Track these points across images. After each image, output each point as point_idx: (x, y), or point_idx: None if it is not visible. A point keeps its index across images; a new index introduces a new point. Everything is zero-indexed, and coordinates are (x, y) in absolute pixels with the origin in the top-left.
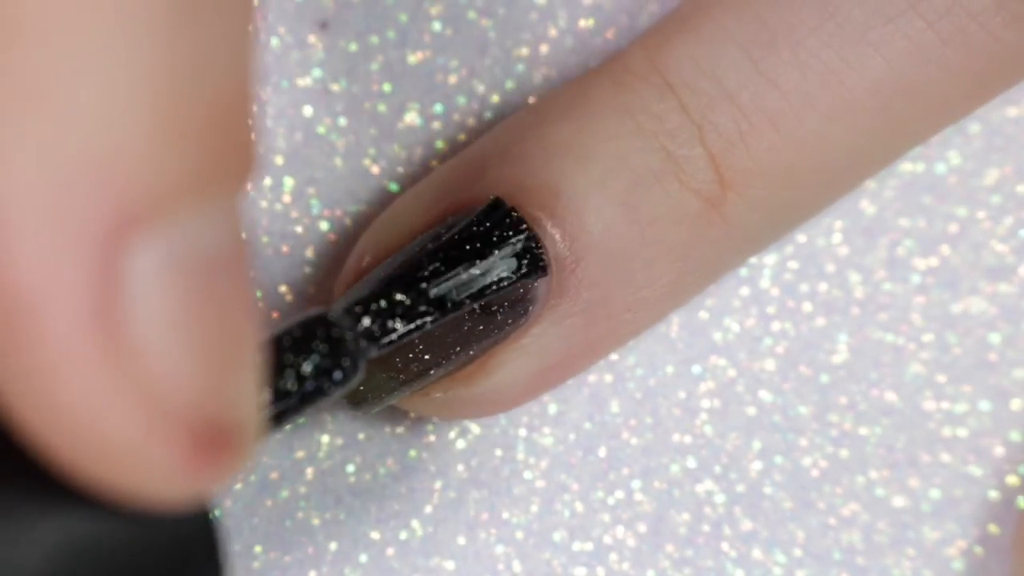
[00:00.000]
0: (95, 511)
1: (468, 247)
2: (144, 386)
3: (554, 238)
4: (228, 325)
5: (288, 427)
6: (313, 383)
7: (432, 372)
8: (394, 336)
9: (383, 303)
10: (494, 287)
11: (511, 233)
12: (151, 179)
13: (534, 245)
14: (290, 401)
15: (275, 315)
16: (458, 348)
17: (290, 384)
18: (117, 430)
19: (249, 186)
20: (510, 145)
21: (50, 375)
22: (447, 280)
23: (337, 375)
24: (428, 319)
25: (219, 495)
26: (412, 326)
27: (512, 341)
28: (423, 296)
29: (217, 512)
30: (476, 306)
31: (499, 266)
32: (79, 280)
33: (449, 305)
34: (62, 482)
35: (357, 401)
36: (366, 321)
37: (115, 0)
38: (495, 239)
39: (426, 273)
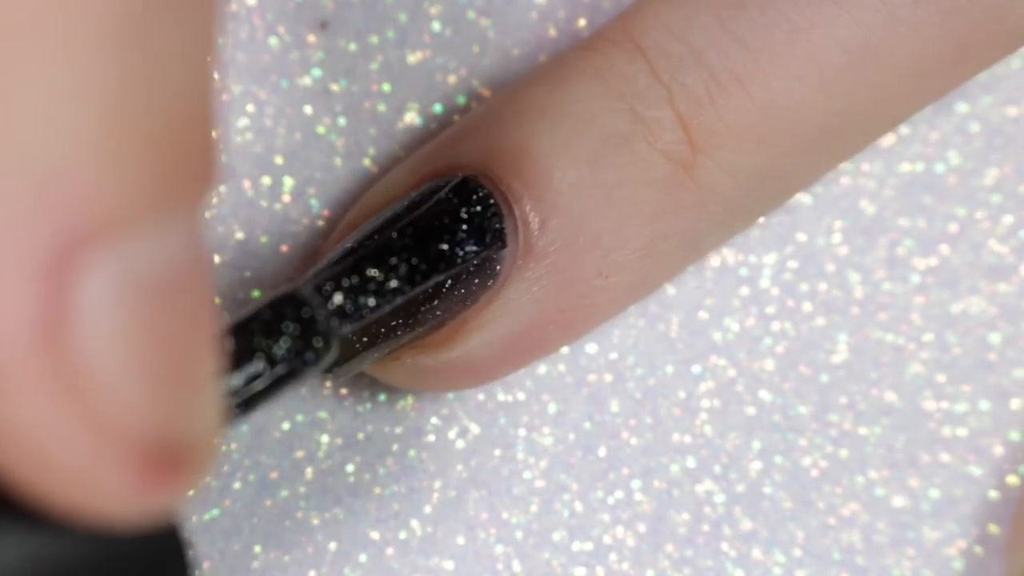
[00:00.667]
0: (57, 531)
1: (437, 223)
2: (94, 409)
3: (521, 199)
4: (184, 344)
5: (282, 429)
6: (286, 364)
7: (400, 333)
8: (365, 312)
9: (354, 279)
10: (460, 260)
11: (478, 208)
12: (101, 197)
13: (498, 220)
14: (263, 383)
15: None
16: (424, 307)
17: (263, 366)
18: (67, 453)
19: (212, 198)
20: (485, 112)
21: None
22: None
23: (309, 355)
24: (400, 295)
25: (181, 511)
26: (384, 301)
27: (482, 306)
28: (393, 271)
29: (183, 527)
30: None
31: (466, 242)
32: (27, 302)
33: (418, 279)
34: (21, 503)
35: (327, 367)
36: (337, 299)
37: (61, 14)
38: (463, 214)
39: (396, 248)
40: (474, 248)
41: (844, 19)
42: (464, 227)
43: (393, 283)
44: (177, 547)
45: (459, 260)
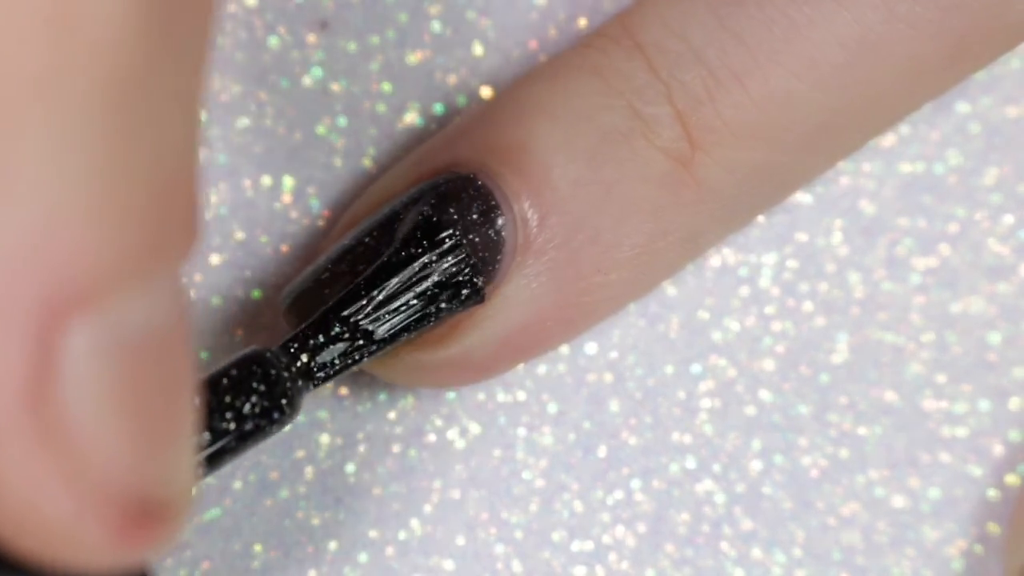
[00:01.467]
0: None
1: (394, 273)
2: (76, 465)
3: (520, 196)
4: (164, 402)
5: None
6: (252, 422)
7: (400, 335)
8: (331, 372)
9: (320, 338)
10: (432, 320)
11: (435, 257)
12: (89, 259)
13: (474, 274)
14: (229, 440)
15: (274, 316)
16: (424, 311)
17: (229, 424)
18: (48, 506)
19: (193, 254)
20: (483, 109)
21: None
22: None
23: (275, 415)
24: (366, 352)
25: (154, 559)
26: (349, 361)
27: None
28: (359, 330)
29: (154, 569)
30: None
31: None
32: (15, 359)
33: (388, 337)
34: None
35: (327, 368)
36: (303, 358)
37: (54, 81)
38: (420, 263)
39: (362, 304)
40: (445, 306)
41: (843, 16)
42: (432, 282)
43: (360, 341)
44: None
45: (431, 319)
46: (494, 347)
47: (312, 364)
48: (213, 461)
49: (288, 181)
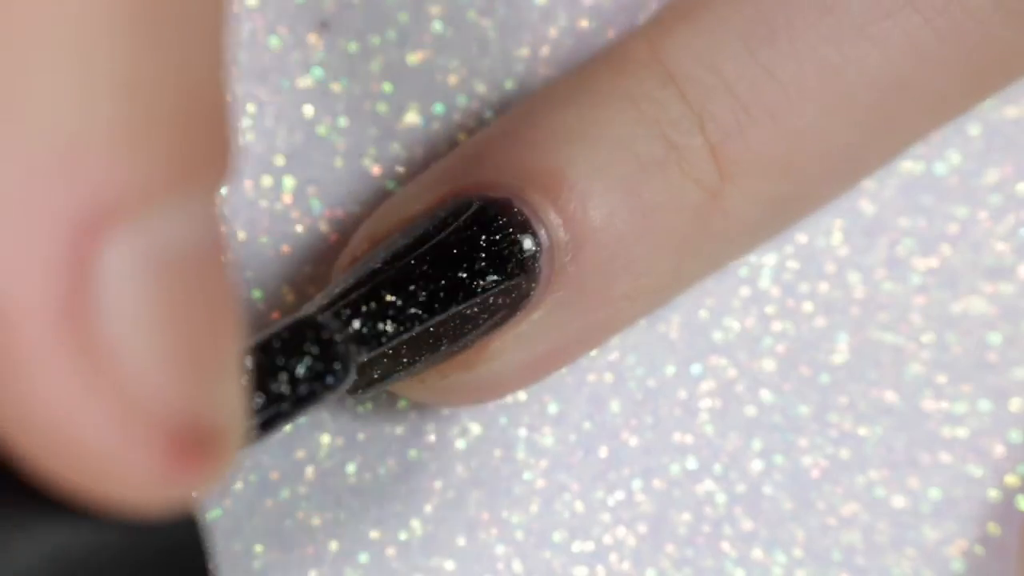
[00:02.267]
0: (77, 520)
1: (456, 251)
2: (119, 388)
3: (556, 224)
4: (207, 325)
5: (283, 430)
6: (306, 387)
7: (428, 357)
8: (383, 339)
9: (373, 305)
10: (480, 291)
11: (498, 238)
12: (122, 175)
13: (519, 249)
14: (283, 405)
15: (276, 315)
16: (453, 335)
17: (283, 388)
18: (91, 434)
19: (226, 184)
20: (512, 130)
21: (21, 378)
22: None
23: (329, 379)
24: (419, 321)
25: (206, 500)
26: (402, 328)
27: (510, 327)
28: (412, 298)
29: (206, 516)
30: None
31: (487, 273)
32: (49, 279)
33: (437, 307)
34: (40, 491)
35: (353, 387)
36: (356, 324)
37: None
38: (482, 243)
39: (415, 276)
40: (495, 278)
41: (874, 56)
42: (484, 256)
43: (412, 310)
44: (197, 539)
45: (479, 290)
46: (520, 369)
47: (363, 330)
48: (268, 426)
49: (288, 181)
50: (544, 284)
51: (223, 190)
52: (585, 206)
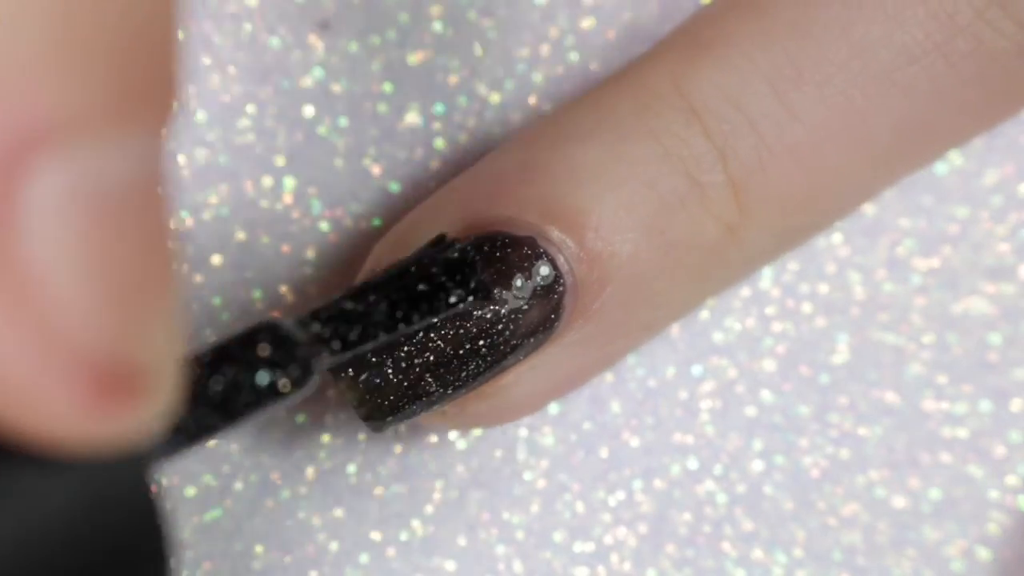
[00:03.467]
0: (6, 456)
1: (424, 288)
2: (41, 318)
3: (580, 261)
4: (138, 265)
5: (284, 430)
6: (266, 388)
7: (451, 393)
8: (347, 344)
9: (335, 311)
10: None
11: (456, 256)
12: (57, 100)
13: (478, 270)
14: (242, 405)
15: (276, 315)
16: (477, 373)
17: (242, 389)
18: (10, 364)
19: (169, 124)
20: (533, 163)
21: None
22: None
23: (283, 383)
24: (383, 332)
25: (142, 443)
26: (367, 335)
27: (529, 360)
28: (376, 310)
29: (154, 468)
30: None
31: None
32: None
33: (400, 318)
34: None
35: (377, 424)
36: (315, 327)
37: None
38: (448, 286)
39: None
40: (455, 298)
41: (899, 101)
42: (444, 274)
43: (378, 318)
44: (141, 480)
45: (443, 306)
46: (539, 396)
47: (323, 333)
48: (227, 425)
49: (289, 181)
50: (567, 319)
51: (165, 130)
52: (610, 244)
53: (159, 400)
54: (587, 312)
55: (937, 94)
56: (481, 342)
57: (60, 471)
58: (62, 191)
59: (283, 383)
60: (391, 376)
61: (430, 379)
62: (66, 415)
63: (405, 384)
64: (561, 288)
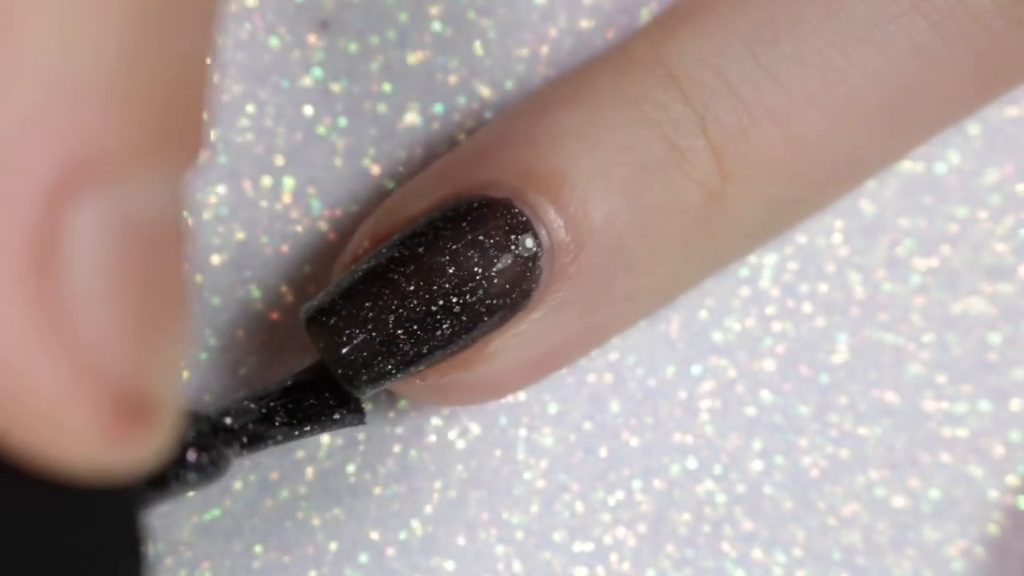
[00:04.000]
0: (12, 475)
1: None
2: (73, 344)
3: (556, 224)
4: (159, 298)
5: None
6: (193, 464)
7: (429, 356)
8: (252, 438)
9: (241, 408)
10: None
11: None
12: (105, 136)
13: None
14: (171, 476)
15: (275, 316)
16: (452, 335)
17: (175, 463)
18: (43, 386)
19: (194, 168)
20: (512, 130)
21: None
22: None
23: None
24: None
25: (139, 475)
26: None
27: (510, 327)
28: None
29: (139, 500)
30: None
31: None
32: (21, 224)
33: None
34: None
35: (354, 383)
36: (227, 421)
37: None
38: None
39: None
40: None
41: (878, 60)
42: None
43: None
44: (132, 512)
45: (329, 422)
46: (520, 369)
47: (233, 425)
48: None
49: (288, 181)
50: (545, 284)
51: (191, 170)
52: (586, 207)
53: (160, 433)
54: (565, 274)
55: (917, 54)
56: (455, 299)
57: (60, 493)
58: (100, 223)
59: (205, 463)
60: (367, 331)
61: (403, 335)
62: (88, 440)
63: (378, 340)
64: (537, 249)
